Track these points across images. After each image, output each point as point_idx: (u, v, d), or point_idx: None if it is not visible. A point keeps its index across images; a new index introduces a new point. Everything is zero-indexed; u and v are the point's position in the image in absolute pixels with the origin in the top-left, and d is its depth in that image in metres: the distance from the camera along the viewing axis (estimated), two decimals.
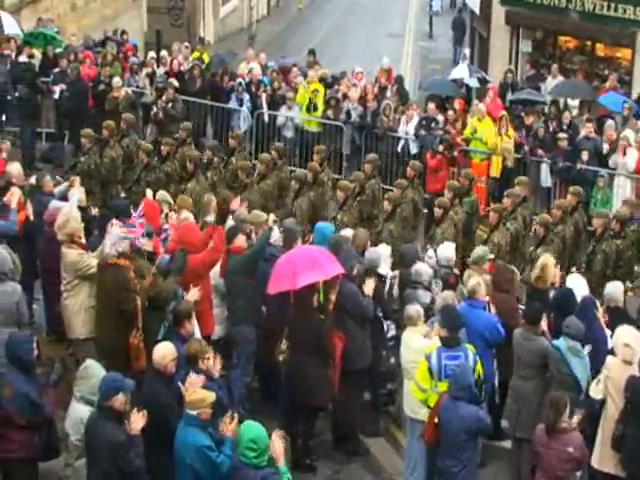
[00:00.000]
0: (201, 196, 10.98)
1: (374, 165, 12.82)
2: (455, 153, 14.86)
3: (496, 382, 8.57)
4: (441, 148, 14.47)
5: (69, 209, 9.30)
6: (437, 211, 11.43)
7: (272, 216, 10.10)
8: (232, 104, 16.51)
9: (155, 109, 15.96)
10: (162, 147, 13.01)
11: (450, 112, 15.59)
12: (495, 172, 14.78)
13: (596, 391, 7.77)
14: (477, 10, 23.73)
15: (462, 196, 12.06)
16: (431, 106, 15.57)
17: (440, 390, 7.61)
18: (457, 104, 16.03)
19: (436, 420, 7.44)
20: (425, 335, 8.25)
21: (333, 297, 8.63)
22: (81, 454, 6.87)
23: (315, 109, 16.10)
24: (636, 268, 11.00)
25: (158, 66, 17.47)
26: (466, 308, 8.47)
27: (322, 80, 16.83)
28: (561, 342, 7.96)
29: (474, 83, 18.40)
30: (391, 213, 11.44)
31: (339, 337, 8.61)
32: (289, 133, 16.29)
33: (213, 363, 7.28)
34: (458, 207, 11.76)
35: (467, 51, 23.79)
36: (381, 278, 9.27)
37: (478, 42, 24.65)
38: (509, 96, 17.15)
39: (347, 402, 8.81)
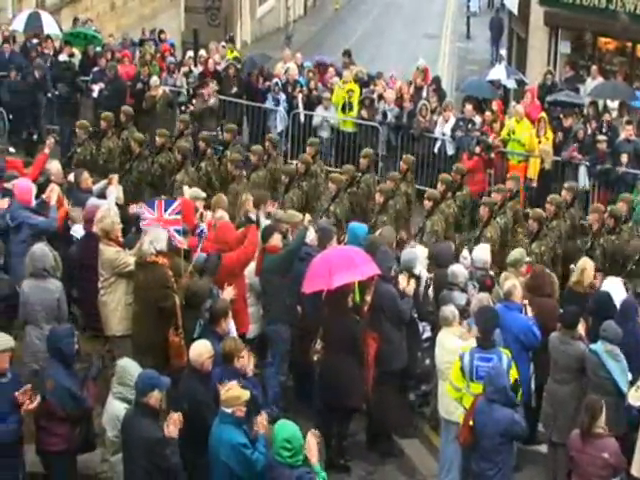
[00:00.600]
0: (190, 186, 11.03)
1: (369, 160, 12.91)
2: (492, 155, 14.76)
3: (532, 386, 8.50)
4: (478, 150, 14.38)
5: (107, 206, 9.39)
6: (427, 203, 11.48)
7: (307, 216, 10.10)
8: (268, 104, 16.55)
9: (191, 107, 16.06)
10: (157, 138, 13.00)
11: (488, 113, 15.49)
12: (532, 174, 14.66)
13: (635, 397, 7.66)
14: (515, 11, 23.52)
15: (455, 191, 12.06)
16: (468, 107, 15.49)
17: (472, 391, 7.58)
18: (495, 105, 15.92)
19: (471, 422, 7.40)
20: (460, 336, 8.21)
21: (369, 298, 8.63)
22: (117, 449, 6.94)
23: (351, 109, 16.10)
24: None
25: (195, 65, 17.58)
26: (502, 310, 8.41)
27: (357, 80, 16.80)
28: (599, 346, 7.88)
29: (511, 84, 18.25)
30: (383, 205, 11.49)
31: (373, 338, 8.58)
32: (325, 133, 16.29)
33: (247, 362, 7.31)
34: (451, 201, 11.77)
35: (504, 52, 23.58)
36: (416, 279, 9.24)
37: (516, 43, 24.41)
38: (548, 98, 16.99)
39: (382, 403, 8.78)
